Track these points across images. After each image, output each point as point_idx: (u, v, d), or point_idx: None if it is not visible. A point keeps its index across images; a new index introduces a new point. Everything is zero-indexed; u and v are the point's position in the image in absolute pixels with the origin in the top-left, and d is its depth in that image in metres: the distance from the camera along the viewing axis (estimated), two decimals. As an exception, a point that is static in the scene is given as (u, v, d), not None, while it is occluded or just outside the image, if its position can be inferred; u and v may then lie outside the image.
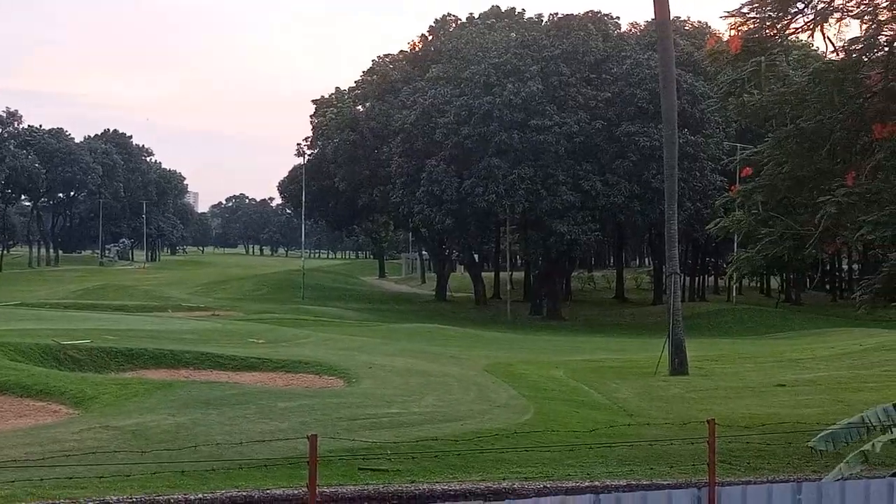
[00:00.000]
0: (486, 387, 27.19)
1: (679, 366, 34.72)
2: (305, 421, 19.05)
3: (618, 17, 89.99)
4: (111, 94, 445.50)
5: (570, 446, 15.67)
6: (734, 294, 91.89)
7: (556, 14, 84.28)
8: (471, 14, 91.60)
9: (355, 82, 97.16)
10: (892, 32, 17.68)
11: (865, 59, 17.98)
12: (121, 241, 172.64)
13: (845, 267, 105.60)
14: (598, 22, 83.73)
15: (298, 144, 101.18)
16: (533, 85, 74.46)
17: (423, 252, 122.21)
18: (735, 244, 52.95)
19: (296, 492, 13.65)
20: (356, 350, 36.21)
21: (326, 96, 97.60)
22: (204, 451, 15.25)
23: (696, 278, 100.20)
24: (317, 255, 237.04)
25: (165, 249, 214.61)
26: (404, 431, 18.90)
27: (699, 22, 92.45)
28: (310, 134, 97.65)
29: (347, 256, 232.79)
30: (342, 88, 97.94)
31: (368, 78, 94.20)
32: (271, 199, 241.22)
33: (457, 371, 30.80)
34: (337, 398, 23.15)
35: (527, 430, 18.46)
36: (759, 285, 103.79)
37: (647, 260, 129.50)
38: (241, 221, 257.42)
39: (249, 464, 15.01)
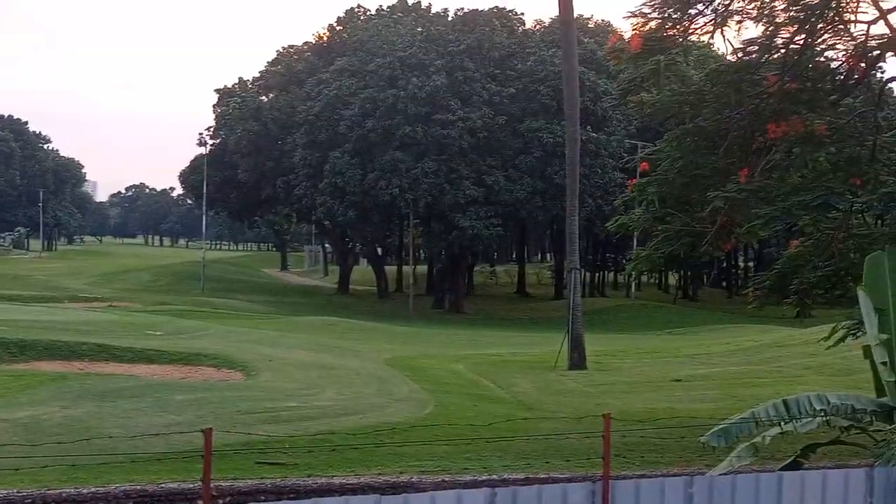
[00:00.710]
0: (386, 380, 27.19)
1: (578, 360, 35.11)
2: (202, 414, 18.84)
3: (523, 14, 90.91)
4: (6, 78, 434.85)
5: (469, 440, 15.73)
6: (633, 290, 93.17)
7: (462, 9, 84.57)
8: (380, 6, 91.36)
9: (260, 72, 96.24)
10: (788, 35, 18.03)
11: (763, 61, 18.32)
12: (16, 229, 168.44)
13: (742, 264, 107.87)
14: (503, 18, 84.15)
15: (200, 134, 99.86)
16: (438, 79, 74.57)
17: (326, 244, 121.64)
18: (635, 241, 53.75)
19: (191, 486, 13.48)
20: (256, 343, 35.93)
21: (230, 86, 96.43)
22: (97, 444, 14.93)
23: (597, 274, 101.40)
24: (218, 247, 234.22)
25: (63, 239, 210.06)
26: (303, 425, 18.79)
27: (603, 20, 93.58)
28: (212, 124, 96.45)
29: (250, 248, 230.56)
30: (246, 78, 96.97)
31: (273, 68, 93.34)
32: (172, 189, 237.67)
33: (358, 364, 30.75)
34: (235, 391, 22.94)
35: (426, 423, 18.47)
36: (657, 282, 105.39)
37: (548, 255, 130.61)
38: (141, 211, 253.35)
39: (144, 457, 14.75)
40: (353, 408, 21.38)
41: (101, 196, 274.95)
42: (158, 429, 16.61)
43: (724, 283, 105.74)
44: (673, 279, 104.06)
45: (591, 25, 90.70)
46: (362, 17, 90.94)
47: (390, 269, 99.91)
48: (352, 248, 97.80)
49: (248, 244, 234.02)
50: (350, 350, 36.38)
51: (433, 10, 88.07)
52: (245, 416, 19.25)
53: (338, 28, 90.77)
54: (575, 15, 48.90)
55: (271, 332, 43.43)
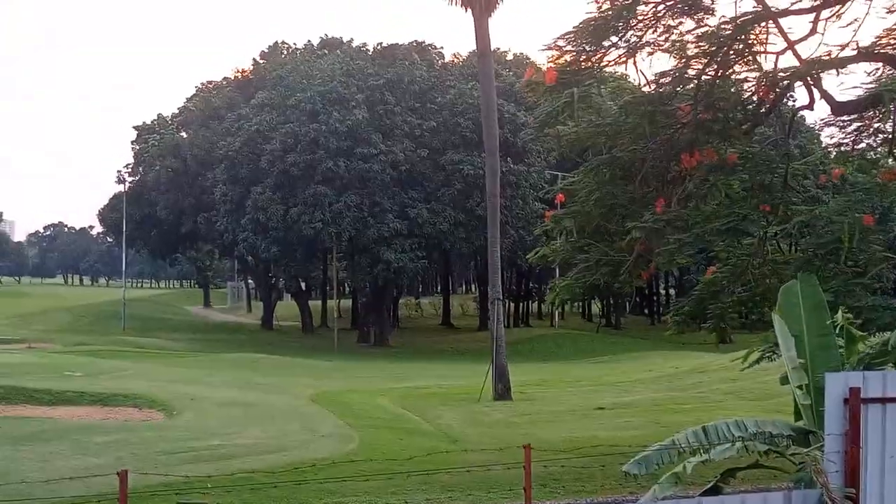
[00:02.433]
0: (311, 416, 26.98)
1: (503, 391, 35.20)
2: (122, 456, 18.53)
3: (442, 48, 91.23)
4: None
5: (393, 474, 15.65)
6: (557, 319, 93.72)
7: (381, 44, 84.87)
8: (308, 41, 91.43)
9: (179, 108, 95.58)
10: (700, 67, 18.37)
11: (676, 92, 18.63)
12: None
13: (663, 292, 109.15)
14: (422, 52, 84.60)
15: (119, 171, 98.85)
16: (358, 113, 74.63)
17: (249, 280, 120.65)
18: (557, 271, 54.13)
19: (109, 529, 13.22)
20: (178, 382, 35.44)
21: (149, 122, 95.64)
22: (13, 489, 14.61)
23: (521, 304, 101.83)
24: (140, 285, 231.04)
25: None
26: (225, 464, 18.54)
27: (521, 53, 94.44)
28: (131, 161, 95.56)
29: (172, 285, 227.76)
30: (165, 114, 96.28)
31: (192, 104, 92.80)
32: (91, 227, 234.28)
33: (282, 401, 30.48)
34: (156, 431, 22.62)
35: (351, 459, 18.33)
36: (581, 310, 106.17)
37: (473, 286, 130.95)
38: (60, 251, 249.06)
39: (61, 502, 14.47)
40: (276, 445, 21.17)
41: (19, 236, 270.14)
42: (76, 472, 16.26)
43: (646, 311, 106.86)
44: (596, 308, 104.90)
45: (510, 58, 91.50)
46: (285, 53, 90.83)
47: (315, 304, 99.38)
48: (275, 283, 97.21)
49: (171, 281, 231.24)
50: (274, 386, 36.04)
51: (353, 45, 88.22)
52: (166, 456, 18.97)
53: (261, 62, 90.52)
54: (493, 48, 49.38)
55: (194, 371, 42.91)
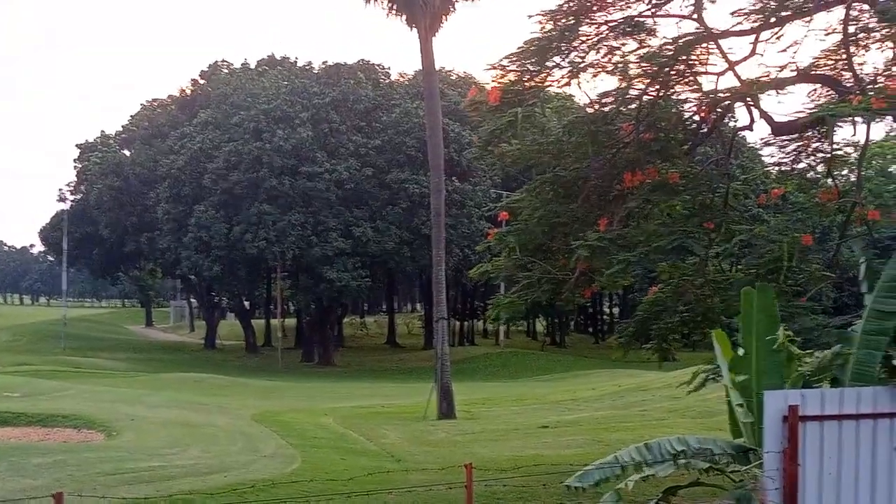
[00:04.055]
0: (253, 436, 26.77)
1: (447, 410, 35.17)
2: (60, 477, 18.22)
3: (388, 67, 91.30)
4: None
5: (335, 495, 15.54)
6: (502, 338, 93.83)
7: (327, 62, 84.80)
8: (245, 61, 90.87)
9: (123, 126, 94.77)
10: (642, 87, 18.50)
11: (618, 112, 18.74)
12: None
13: (607, 310, 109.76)
14: (368, 70, 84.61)
15: (60, 189, 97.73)
16: (303, 132, 74.42)
17: (192, 299, 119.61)
18: (503, 289, 54.22)
19: (44, 553, 12.98)
20: (119, 402, 35.01)
21: (92, 140, 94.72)
22: (-55, 513, 14.33)
23: (466, 323, 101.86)
24: (81, 304, 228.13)
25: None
26: (166, 485, 18.32)
27: (466, 73, 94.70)
28: (73, 179, 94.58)
29: (114, 305, 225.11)
30: (108, 132, 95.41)
31: (135, 122, 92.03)
32: (32, 245, 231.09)
33: (224, 421, 30.23)
34: (96, 452, 22.28)
35: (293, 479, 18.20)
36: (526, 329, 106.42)
37: (418, 305, 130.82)
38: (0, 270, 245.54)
39: (-5, 526, 14.20)
40: (217, 466, 20.95)
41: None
42: (12, 494, 15.99)
43: (590, 329, 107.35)
44: (541, 326, 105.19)
45: (455, 78, 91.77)
46: (226, 71, 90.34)
47: (258, 323, 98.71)
48: (218, 302, 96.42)
49: (113, 300, 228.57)
50: (216, 406, 35.73)
51: (298, 64, 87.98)
52: (105, 477, 18.69)
53: (201, 82, 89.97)
54: (438, 67, 49.51)
55: (135, 391, 42.41)
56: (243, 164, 74.59)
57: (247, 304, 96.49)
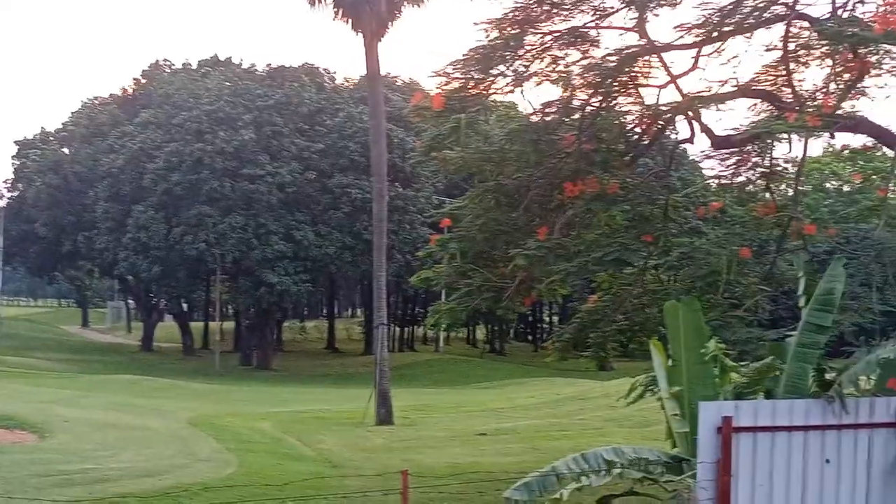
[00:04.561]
0: (188, 440, 26.53)
1: (385, 416, 35.13)
2: (-11, 480, 17.93)
3: (333, 71, 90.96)
4: None
5: (269, 500, 15.42)
6: (442, 344, 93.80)
7: (271, 65, 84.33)
8: (187, 61, 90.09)
9: (63, 124, 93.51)
10: (585, 97, 18.63)
11: (562, 122, 18.85)
12: None
13: (547, 319, 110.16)
14: (312, 74, 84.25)
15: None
16: (246, 133, 73.95)
17: (130, 300, 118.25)
18: (444, 296, 54.26)
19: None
20: (53, 403, 34.48)
21: (31, 137, 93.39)
22: None
23: (406, 329, 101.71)
24: (16, 303, 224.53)
25: None
26: (98, 488, 18.10)
27: (411, 79, 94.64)
28: (11, 176, 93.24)
29: (50, 304, 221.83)
30: (49, 130, 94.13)
31: (75, 120, 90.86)
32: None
33: (159, 424, 29.92)
34: (27, 454, 21.95)
35: (228, 484, 18.04)
36: (466, 336, 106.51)
37: (358, 310, 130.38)
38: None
39: (-79, 528, 13.92)
40: (151, 469, 20.74)
41: None
42: (-61, 496, 15.70)
43: (530, 338, 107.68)
44: (481, 333, 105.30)
45: (400, 83, 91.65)
46: (168, 71, 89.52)
47: (196, 326, 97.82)
48: (156, 303, 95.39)
49: (49, 300, 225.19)
50: (152, 409, 35.34)
51: (242, 66, 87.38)
52: (36, 479, 18.43)
53: (143, 81, 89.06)
54: (384, 73, 49.46)
55: (69, 392, 41.83)
56: (184, 165, 73.95)
57: (185, 306, 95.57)
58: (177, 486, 17.92)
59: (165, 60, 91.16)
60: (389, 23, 38.94)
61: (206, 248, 73.50)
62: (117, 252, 76.97)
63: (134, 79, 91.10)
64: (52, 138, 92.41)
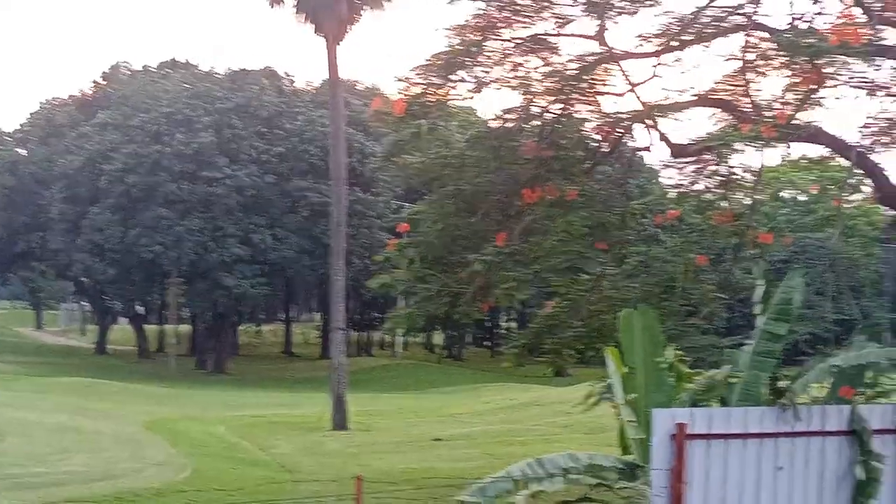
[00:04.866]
0: (143, 444, 26.35)
1: (341, 421, 35.03)
2: (-62, 483, 17.69)
3: (293, 75, 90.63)
4: None
5: (224, 505, 15.34)
6: (399, 349, 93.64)
7: (231, 67, 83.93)
8: (146, 64, 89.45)
9: (21, 124, 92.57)
10: (544, 104, 18.68)
11: (522, 128, 18.89)
12: None
13: (504, 324, 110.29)
14: (272, 77, 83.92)
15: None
16: (204, 136, 73.51)
17: (84, 303, 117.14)
18: (403, 301, 54.23)
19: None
20: (5, 406, 34.07)
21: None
22: None
23: (364, 333, 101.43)
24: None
25: None
26: (50, 492, 17.93)
27: (373, 84, 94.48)
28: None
29: (2, 306, 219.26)
30: (5, 130, 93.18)
31: (33, 121, 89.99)
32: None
33: (113, 428, 29.69)
34: (-23, 457, 21.69)
35: (181, 489, 17.93)
36: (423, 341, 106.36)
37: (316, 315, 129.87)
38: None
39: None
40: (105, 473, 20.56)
41: None
42: None
43: (487, 343, 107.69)
44: (439, 339, 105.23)
45: (361, 88, 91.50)
46: (127, 73, 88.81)
47: (152, 329, 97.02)
48: (111, 306, 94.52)
49: (1, 301, 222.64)
50: (106, 413, 35.06)
51: (201, 68, 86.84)
52: (-14, 483, 18.20)
53: (102, 83, 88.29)
54: (345, 77, 49.42)
55: (22, 395, 41.33)
56: (142, 167, 73.36)
57: (141, 308, 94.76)
58: (129, 490, 17.78)
59: (125, 63, 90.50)
60: (349, 25, 38.92)
61: (163, 250, 72.94)
62: (72, 253, 76.20)
63: (93, 81, 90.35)
64: (8, 139, 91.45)
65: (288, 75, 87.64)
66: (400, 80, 18.72)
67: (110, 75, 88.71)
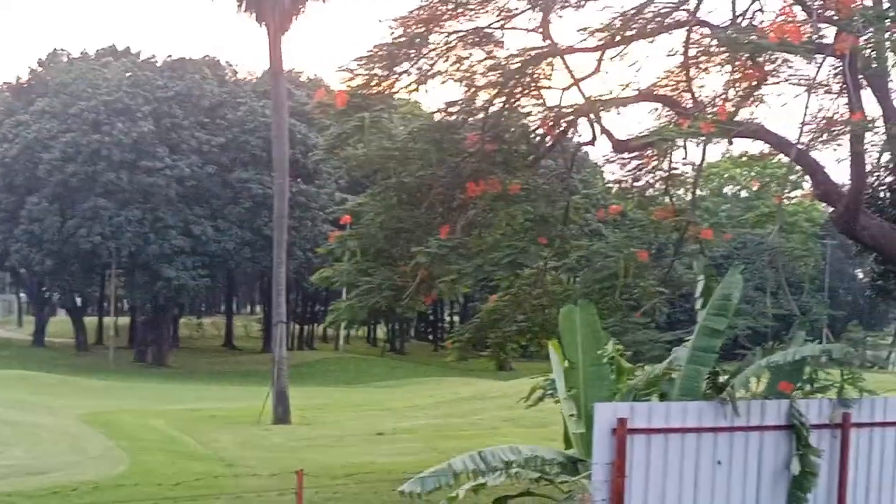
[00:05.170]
0: (80, 437, 26.01)
1: (282, 415, 34.84)
2: None
3: (236, 64, 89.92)
4: None
5: (160, 500, 15.13)
6: (341, 343, 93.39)
7: (171, 56, 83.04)
8: (85, 50, 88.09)
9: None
10: (488, 98, 18.66)
11: (465, 121, 18.87)
12: None
13: (447, 318, 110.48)
14: (214, 66, 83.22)
15: None
16: (144, 125, 72.71)
17: (21, 294, 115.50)
18: (344, 293, 54.07)
19: None
20: (-63, 399, 33.57)
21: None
22: None
23: (306, 326, 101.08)
24: None
25: None
26: (-16, 486, 17.60)
27: (316, 75, 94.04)
28: None
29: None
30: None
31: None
32: None
33: (50, 421, 29.27)
34: None
35: (118, 483, 17.68)
36: (366, 334, 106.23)
37: (258, 307, 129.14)
38: None
39: None
40: (40, 467, 20.26)
41: None
42: None
43: (430, 336, 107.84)
44: (382, 332, 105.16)
45: (304, 79, 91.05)
46: (65, 60, 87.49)
47: (91, 321, 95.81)
48: (49, 297, 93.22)
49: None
50: (43, 406, 34.57)
51: (142, 56, 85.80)
52: (-82, 478, 17.87)
53: (39, 70, 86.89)
54: (288, 68, 49.12)
55: (-45, 387, 40.70)
56: (80, 156, 72.41)
57: (79, 300, 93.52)
58: (66, 484, 17.51)
59: (63, 49, 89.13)
60: (293, 16, 38.67)
61: (102, 241, 72.09)
62: (9, 244, 75.00)
63: (30, 68, 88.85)
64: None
65: (230, 65, 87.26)
66: (342, 70, 18.60)
67: (47, 62, 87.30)
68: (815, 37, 15.24)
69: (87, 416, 31.64)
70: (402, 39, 17.92)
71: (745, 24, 16.80)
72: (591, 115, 18.76)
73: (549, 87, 18.98)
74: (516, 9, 17.94)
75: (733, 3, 17.40)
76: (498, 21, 18.22)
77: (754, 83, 17.21)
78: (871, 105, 16.40)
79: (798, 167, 18.69)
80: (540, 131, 19.39)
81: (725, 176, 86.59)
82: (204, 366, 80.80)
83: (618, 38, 17.87)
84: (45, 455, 22.08)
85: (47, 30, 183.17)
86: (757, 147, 20.59)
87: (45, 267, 74.74)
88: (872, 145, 16.60)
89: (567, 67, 18.54)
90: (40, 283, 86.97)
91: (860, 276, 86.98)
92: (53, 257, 73.76)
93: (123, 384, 56.18)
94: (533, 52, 18.03)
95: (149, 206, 73.44)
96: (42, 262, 73.97)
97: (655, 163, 19.70)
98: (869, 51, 14.60)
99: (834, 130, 15.77)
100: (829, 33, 15.71)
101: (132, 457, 22.70)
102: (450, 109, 18.65)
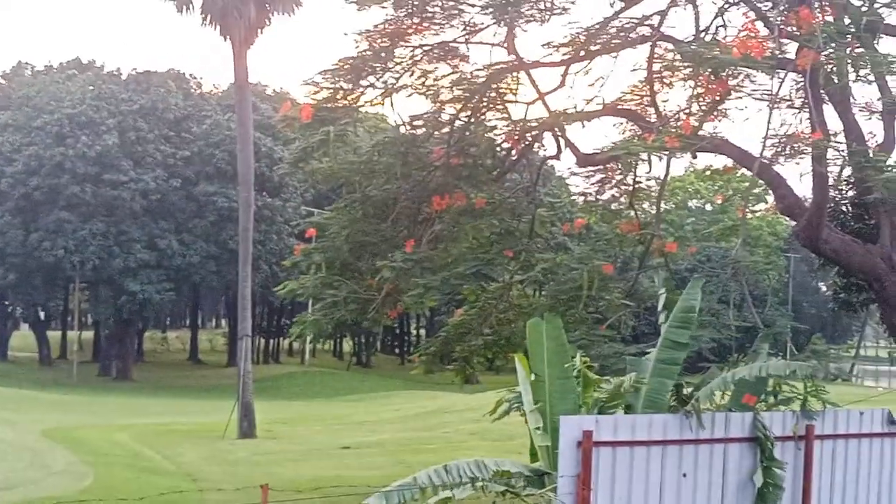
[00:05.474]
0: (42, 452, 25.76)
1: (248, 429, 34.69)
2: None
3: (201, 78, 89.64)
4: None
5: (125, 515, 15.02)
6: (308, 357, 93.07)
7: (136, 69, 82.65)
8: (49, 63, 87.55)
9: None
10: (453, 112, 18.71)
11: (430, 135, 18.89)
12: None
13: (414, 331, 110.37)
14: (179, 79, 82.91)
15: None
16: (109, 138, 72.26)
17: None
18: (310, 307, 53.91)
19: None
20: None
21: None
22: None
23: (271, 340, 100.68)
24: None
25: None
26: (-56, 503, 17.41)
27: (282, 88, 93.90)
28: None
29: None
30: None
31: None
32: None
33: (11, 436, 29.00)
34: None
35: (81, 498, 17.52)
36: (332, 348, 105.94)
37: (223, 321, 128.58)
38: None
39: None
40: (3, 482, 20.07)
41: None
42: None
43: (396, 350, 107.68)
44: (348, 346, 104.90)
45: (269, 93, 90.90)
46: (29, 72, 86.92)
47: (54, 335, 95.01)
48: (11, 311, 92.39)
49: None
50: (4, 420, 34.23)
51: (107, 69, 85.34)
52: None
53: (2, 83, 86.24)
54: (254, 81, 49.04)
55: (-85, 403, 40.25)
56: (44, 169, 71.85)
57: (42, 314, 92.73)
58: (29, 499, 17.35)
59: (27, 63, 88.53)
60: (258, 30, 38.62)
61: (65, 255, 71.52)
62: (-31, 258, 74.34)
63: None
64: None
65: (194, 78, 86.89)
66: (307, 83, 18.60)
67: (11, 75, 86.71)
68: (777, 52, 15.40)
69: (51, 431, 31.36)
70: (367, 53, 17.94)
71: (708, 39, 16.96)
72: (556, 129, 18.85)
73: (515, 102, 19.07)
74: (481, 23, 17.99)
75: (697, 18, 17.60)
76: (463, 36, 18.26)
77: (717, 98, 17.34)
78: (832, 119, 16.59)
79: (761, 181, 18.83)
80: (505, 145, 19.45)
81: (690, 189, 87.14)
82: (169, 380, 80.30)
83: (582, 52, 17.98)
84: (7, 471, 21.87)
85: (11, 43, 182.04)
86: (720, 161, 20.76)
87: (8, 280, 74.07)
88: (834, 160, 16.74)
89: (532, 82, 18.64)
90: (3, 296, 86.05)
91: (823, 289, 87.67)
92: (16, 270, 73.13)
93: (87, 398, 55.72)
94: (498, 67, 18.11)
95: (113, 220, 72.99)
96: (5, 276, 73.32)
97: (620, 177, 19.82)
98: (830, 66, 14.75)
99: (797, 145, 15.90)
100: (791, 49, 15.90)
101: (96, 472, 22.52)
102: (415, 123, 18.69)
